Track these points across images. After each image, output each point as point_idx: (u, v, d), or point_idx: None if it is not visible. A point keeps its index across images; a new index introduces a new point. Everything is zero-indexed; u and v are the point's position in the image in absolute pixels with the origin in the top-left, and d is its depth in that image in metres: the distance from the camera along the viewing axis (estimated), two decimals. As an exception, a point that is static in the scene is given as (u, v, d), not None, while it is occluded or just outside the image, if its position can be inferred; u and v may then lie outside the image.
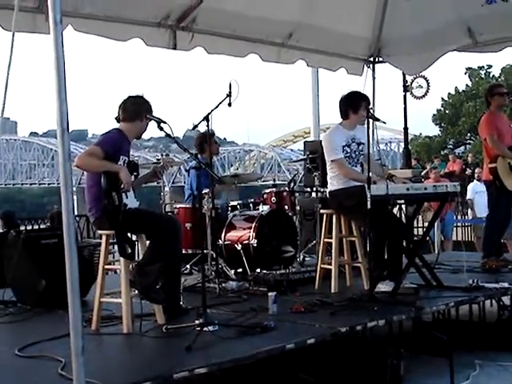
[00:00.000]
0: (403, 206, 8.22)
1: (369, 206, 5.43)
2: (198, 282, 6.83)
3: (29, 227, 11.41)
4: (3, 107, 4.19)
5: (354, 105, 6.33)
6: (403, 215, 8.23)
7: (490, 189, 7.89)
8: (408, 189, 5.89)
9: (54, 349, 4.44)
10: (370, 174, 5.60)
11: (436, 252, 9.57)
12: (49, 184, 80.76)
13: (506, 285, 6.21)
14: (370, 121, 5.73)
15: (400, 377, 5.13)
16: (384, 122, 5.89)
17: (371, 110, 5.75)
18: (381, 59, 9.84)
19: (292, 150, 75.12)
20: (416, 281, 6.30)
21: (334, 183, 6.29)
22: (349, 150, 6.28)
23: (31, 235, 6.68)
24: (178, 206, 7.58)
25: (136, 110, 5.29)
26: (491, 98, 7.73)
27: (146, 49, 7.89)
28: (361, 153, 6.32)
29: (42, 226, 11.70)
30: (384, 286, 5.98)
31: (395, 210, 7.48)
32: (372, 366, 5.08)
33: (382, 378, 5.03)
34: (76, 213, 9.01)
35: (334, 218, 6.44)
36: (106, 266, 5.25)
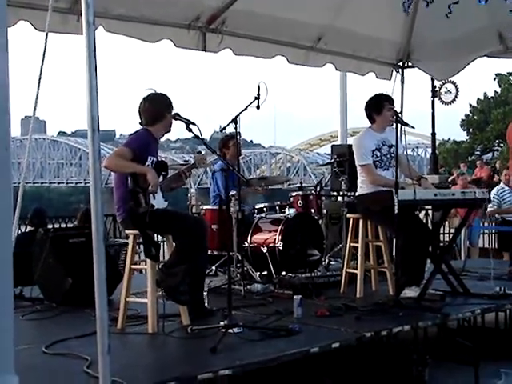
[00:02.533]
0: (429, 212, 8.18)
1: (396, 211, 5.40)
2: (223, 284, 6.85)
3: (56, 226, 11.50)
4: (35, 106, 4.23)
5: (377, 107, 6.35)
6: (429, 221, 8.19)
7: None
8: (436, 194, 5.85)
9: (80, 347, 4.47)
10: (401, 176, 5.59)
11: (462, 259, 9.49)
12: (76, 183, 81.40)
13: (533, 293, 6.14)
14: (399, 125, 5.70)
15: (425, 383, 5.10)
16: (413, 127, 5.86)
17: (400, 115, 5.70)
18: (410, 64, 9.81)
19: (318, 153, 74.86)
20: (442, 287, 6.26)
21: (363, 187, 6.28)
22: (379, 154, 6.26)
23: (59, 234, 6.76)
24: (204, 207, 7.59)
25: (156, 111, 5.28)
26: None
27: (173, 49, 7.92)
28: (392, 155, 6.29)
29: (69, 225, 11.77)
30: (410, 292, 5.94)
31: (422, 216, 7.44)
32: (397, 372, 5.05)
33: (407, 384, 5.00)
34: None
35: (361, 222, 6.42)
36: (133, 266, 5.28)
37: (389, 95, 6.53)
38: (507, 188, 9.75)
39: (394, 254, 5.92)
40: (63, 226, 11.89)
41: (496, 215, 9.80)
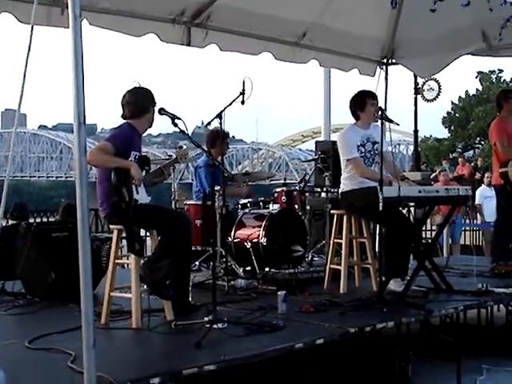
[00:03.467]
0: (411, 209, 8.20)
1: (381, 208, 5.42)
2: (207, 279, 6.86)
3: (37, 220, 11.43)
4: (20, 100, 4.19)
5: (361, 103, 6.37)
6: (411, 218, 8.22)
7: (499, 193, 7.88)
8: (420, 191, 5.88)
9: (63, 342, 4.45)
10: (387, 173, 5.60)
11: (444, 255, 9.54)
12: (57, 177, 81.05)
13: (515, 290, 6.19)
14: (385, 122, 5.71)
15: (408, 379, 5.12)
16: (397, 124, 5.88)
17: (384, 111, 5.71)
18: (394, 61, 9.83)
19: (300, 149, 75.10)
20: (425, 284, 6.29)
21: (346, 184, 6.29)
22: (363, 150, 6.28)
23: (42, 228, 6.72)
24: (188, 202, 7.58)
25: (140, 104, 5.25)
26: (505, 102, 7.70)
27: (156, 44, 7.89)
28: (376, 152, 6.32)
29: (51, 219, 11.71)
30: (394, 285, 5.98)
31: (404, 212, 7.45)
32: (380, 367, 5.07)
33: (391, 381, 5.02)
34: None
35: (345, 218, 6.43)
36: (117, 261, 5.26)
37: (372, 91, 6.55)
38: None
39: (377, 250, 5.91)
40: (44, 220, 11.83)
41: None
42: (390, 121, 5.80)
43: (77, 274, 6.02)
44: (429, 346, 5.93)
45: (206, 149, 7.47)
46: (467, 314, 6.39)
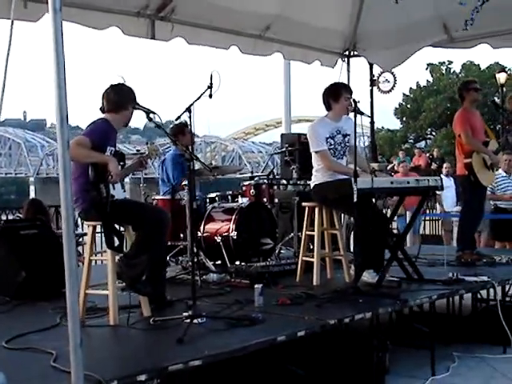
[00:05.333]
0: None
1: (355, 199, 5.45)
2: (178, 274, 6.84)
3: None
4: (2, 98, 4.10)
5: (335, 94, 6.37)
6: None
7: (463, 184, 8.00)
8: (392, 182, 5.95)
9: (41, 341, 4.38)
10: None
11: (408, 246, 9.66)
12: (6, 174, 79.63)
13: (485, 278, 6.29)
14: (357, 115, 5.74)
15: (385, 368, 5.18)
16: (369, 116, 5.93)
17: (357, 104, 5.74)
18: (356, 53, 9.91)
19: (253, 142, 75.15)
20: (396, 274, 6.36)
21: (318, 176, 6.30)
22: (333, 142, 6.29)
23: (9, 226, 6.61)
24: (156, 197, 7.53)
25: (120, 99, 5.21)
26: (467, 93, 7.79)
27: (116, 37, 7.81)
28: (347, 144, 6.35)
29: (3, 217, 11.44)
30: (368, 277, 6.03)
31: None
32: (357, 358, 5.11)
33: (368, 370, 5.06)
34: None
35: (317, 210, 6.45)
36: (91, 258, 5.20)
37: (347, 84, 6.59)
38: (504, 175, 9.91)
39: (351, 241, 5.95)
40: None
41: (490, 201, 9.89)
42: (362, 113, 5.82)
43: (47, 272, 6.02)
44: (402, 335, 6.01)
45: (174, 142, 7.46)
46: (436, 303, 6.47)
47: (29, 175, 71.29)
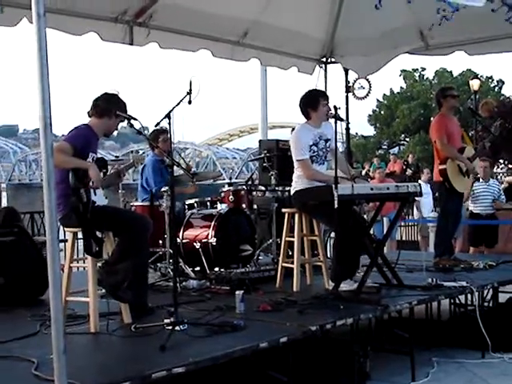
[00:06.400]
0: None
1: (336, 206, 5.46)
2: (157, 281, 6.81)
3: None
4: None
5: (312, 103, 6.37)
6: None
7: (439, 190, 8.07)
8: (372, 189, 5.97)
9: (21, 349, 4.35)
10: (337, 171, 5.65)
11: (385, 252, 9.68)
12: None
13: (463, 283, 6.33)
14: (337, 121, 5.76)
15: (366, 374, 5.20)
16: (348, 122, 5.95)
17: (337, 110, 5.76)
18: (333, 60, 9.95)
19: (228, 148, 75.09)
20: (375, 280, 6.38)
21: (299, 182, 6.29)
22: (316, 149, 6.30)
23: (-14, 233, 6.51)
24: (135, 204, 7.50)
25: (106, 107, 5.21)
26: (444, 100, 7.85)
27: (98, 42, 7.77)
28: (328, 149, 6.37)
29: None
30: (345, 286, 6.04)
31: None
32: (339, 363, 5.12)
33: (349, 376, 5.08)
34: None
35: (297, 216, 6.46)
36: (72, 264, 5.16)
37: (323, 91, 6.61)
38: (481, 181, 10.06)
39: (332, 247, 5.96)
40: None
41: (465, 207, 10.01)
42: (341, 119, 5.85)
43: (25, 279, 5.96)
44: (382, 340, 6.04)
45: (154, 149, 7.46)
46: (414, 308, 6.51)
47: (1, 181, 70.65)
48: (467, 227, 10.37)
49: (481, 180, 10.18)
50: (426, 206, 12.52)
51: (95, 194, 4.88)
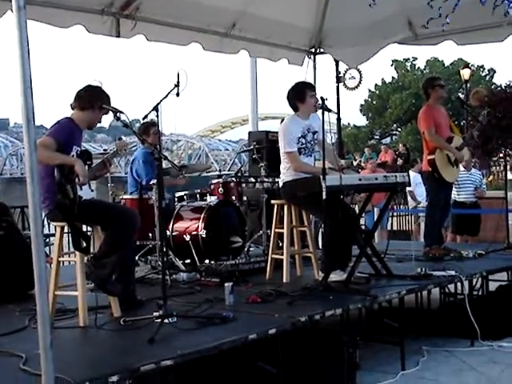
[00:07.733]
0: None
1: (324, 197, 5.46)
2: (147, 274, 6.81)
3: None
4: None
5: (300, 95, 6.38)
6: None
7: (428, 180, 8.08)
8: (360, 179, 5.97)
9: (10, 344, 4.36)
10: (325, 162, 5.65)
11: (375, 242, 9.71)
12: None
13: (452, 273, 6.36)
14: (325, 112, 5.75)
15: (356, 365, 5.20)
16: (336, 113, 5.95)
17: (325, 101, 5.75)
18: (322, 50, 9.93)
19: (220, 140, 75.02)
20: (364, 270, 6.39)
21: (287, 174, 6.30)
22: (304, 141, 6.31)
23: (-25, 228, 6.49)
24: (124, 196, 7.47)
25: (89, 99, 5.15)
26: (432, 90, 7.85)
27: (81, 35, 7.75)
28: (315, 141, 6.37)
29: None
30: (335, 276, 6.04)
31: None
32: (329, 354, 5.12)
33: (339, 366, 5.08)
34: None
35: (286, 208, 6.46)
36: (60, 259, 5.14)
37: (310, 82, 6.60)
38: (463, 170, 10.12)
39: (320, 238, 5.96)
40: None
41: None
42: (329, 110, 5.84)
43: (14, 273, 5.95)
44: (372, 330, 6.05)
45: (143, 142, 7.42)
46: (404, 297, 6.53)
47: (-8, 175, 70.28)
48: (452, 216, 10.42)
49: (463, 169, 10.26)
50: (421, 195, 12.52)
51: (81, 189, 4.85)
